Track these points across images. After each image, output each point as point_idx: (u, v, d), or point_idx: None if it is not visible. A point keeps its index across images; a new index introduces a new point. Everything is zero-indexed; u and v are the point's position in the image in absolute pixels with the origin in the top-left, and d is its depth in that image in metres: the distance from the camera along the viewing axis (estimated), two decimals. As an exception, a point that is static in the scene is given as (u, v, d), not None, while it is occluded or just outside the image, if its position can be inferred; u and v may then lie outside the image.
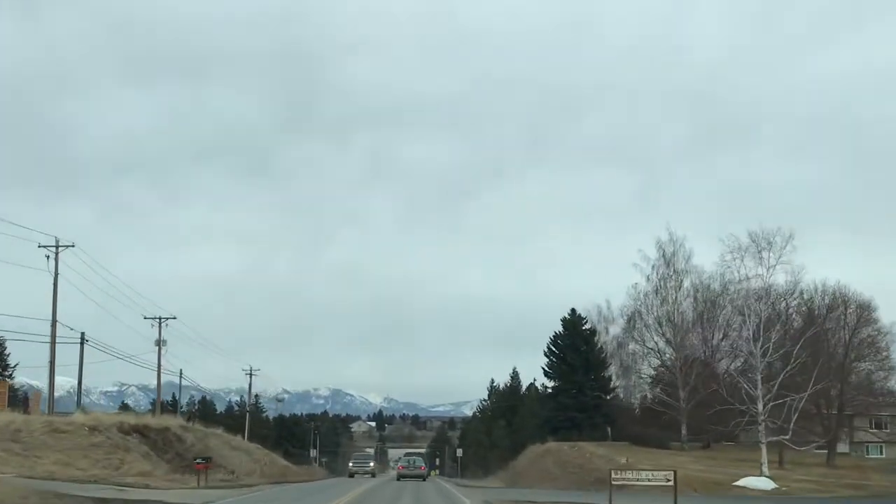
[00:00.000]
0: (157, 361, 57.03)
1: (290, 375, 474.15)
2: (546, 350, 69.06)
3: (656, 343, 52.32)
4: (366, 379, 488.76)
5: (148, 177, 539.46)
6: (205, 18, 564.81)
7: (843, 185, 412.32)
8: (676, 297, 50.11)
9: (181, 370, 61.71)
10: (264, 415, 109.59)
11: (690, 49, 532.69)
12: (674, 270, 49.94)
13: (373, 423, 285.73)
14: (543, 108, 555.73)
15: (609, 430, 67.66)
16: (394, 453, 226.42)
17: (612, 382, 68.40)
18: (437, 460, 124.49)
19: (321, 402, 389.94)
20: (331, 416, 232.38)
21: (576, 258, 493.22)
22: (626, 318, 52.44)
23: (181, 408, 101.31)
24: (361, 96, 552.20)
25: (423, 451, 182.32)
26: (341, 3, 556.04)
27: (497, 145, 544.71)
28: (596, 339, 68.82)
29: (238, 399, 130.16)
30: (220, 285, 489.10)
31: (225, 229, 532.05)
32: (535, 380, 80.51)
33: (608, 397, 68.14)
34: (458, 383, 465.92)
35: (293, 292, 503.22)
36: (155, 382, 59.05)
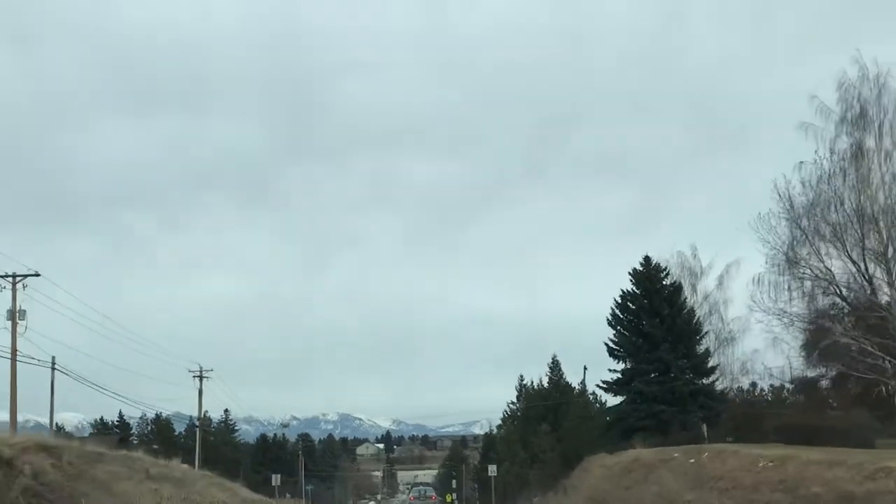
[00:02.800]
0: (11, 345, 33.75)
1: (297, 402, 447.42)
2: (609, 317, 45.82)
3: (828, 268, 28.78)
4: (374, 403, 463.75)
5: (148, 207, 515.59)
6: (201, 46, 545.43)
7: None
8: (882, 178, 26.80)
9: (53, 358, 38.39)
10: (236, 433, 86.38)
11: (687, 56, 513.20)
12: (876, 128, 26.82)
13: (381, 445, 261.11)
14: (541, 123, 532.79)
15: (705, 427, 44.67)
16: (403, 476, 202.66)
17: (708, 360, 45.15)
18: (454, 482, 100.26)
19: (330, 427, 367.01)
20: (338, 439, 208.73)
21: (580, 272, 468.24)
22: (787, 220, 28.77)
23: (130, 429, 78.17)
24: (359, 118, 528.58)
25: (433, 475, 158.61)
26: (335, 25, 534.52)
27: (497, 162, 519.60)
28: (682, 299, 45.78)
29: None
30: (224, 314, 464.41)
31: (227, 257, 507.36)
32: (585, 368, 57.08)
33: (706, 381, 44.85)
34: (465, 403, 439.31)
35: (298, 318, 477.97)
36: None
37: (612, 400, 48.09)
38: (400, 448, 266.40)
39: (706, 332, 45.58)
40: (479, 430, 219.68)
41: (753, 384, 50.64)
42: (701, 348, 44.97)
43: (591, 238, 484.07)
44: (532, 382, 63.97)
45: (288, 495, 59.32)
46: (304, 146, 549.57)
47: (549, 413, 57.09)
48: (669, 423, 42.73)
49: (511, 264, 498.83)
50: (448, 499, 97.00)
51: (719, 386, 45.74)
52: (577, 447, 49.30)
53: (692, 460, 28.63)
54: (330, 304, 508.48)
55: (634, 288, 45.51)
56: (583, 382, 59.33)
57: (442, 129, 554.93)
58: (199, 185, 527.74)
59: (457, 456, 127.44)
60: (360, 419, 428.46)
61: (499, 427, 70.57)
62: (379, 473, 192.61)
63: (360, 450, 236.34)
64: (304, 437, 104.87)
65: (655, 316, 44.29)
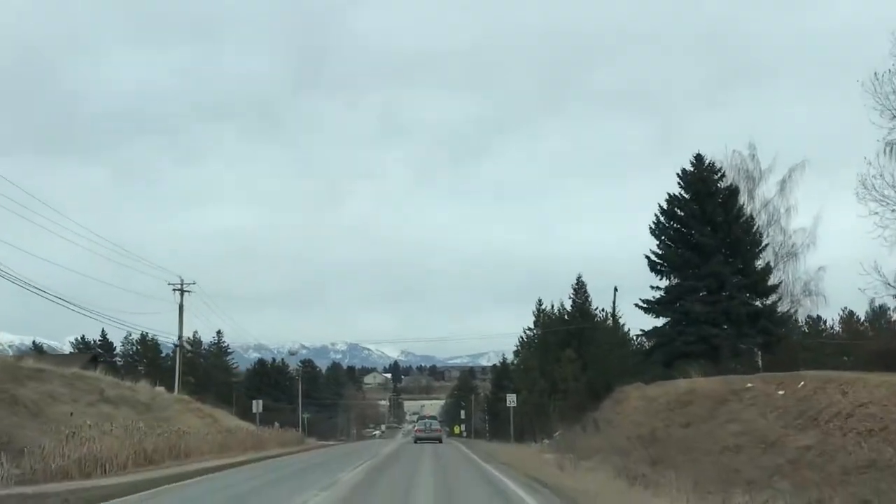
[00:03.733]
0: None
1: (308, 331, 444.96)
2: (652, 225, 38.50)
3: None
4: (383, 334, 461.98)
5: (159, 137, 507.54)
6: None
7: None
8: None
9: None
10: (229, 357, 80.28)
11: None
12: None
13: (388, 375, 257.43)
14: (557, 58, 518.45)
15: (760, 356, 37.86)
16: (410, 405, 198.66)
17: (768, 277, 37.95)
18: (463, 412, 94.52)
19: (339, 356, 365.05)
20: (346, 369, 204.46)
21: (592, 209, 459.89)
22: None
23: (113, 349, 71.94)
24: (372, 52, 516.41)
25: (440, 405, 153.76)
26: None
27: (511, 98, 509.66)
28: (739, 205, 38.37)
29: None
30: (237, 244, 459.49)
31: (238, 188, 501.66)
32: (615, 289, 49.76)
33: (766, 302, 37.70)
34: (474, 335, 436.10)
35: (310, 249, 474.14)
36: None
37: (646, 324, 40.81)
38: (407, 378, 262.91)
39: (765, 245, 38.31)
40: (486, 363, 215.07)
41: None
42: (760, 263, 37.74)
43: (605, 172, 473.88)
44: (552, 306, 56.99)
45: (277, 424, 53.07)
46: (318, 78, 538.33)
47: (572, 339, 50.24)
48: (720, 349, 35.85)
49: (524, 200, 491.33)
50: (456, 430, 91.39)
51: (779, 308, 38.65)
52: (607, 376, 42.59)
53: (781, 392, 21.56)
54: (343, 235, 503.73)
55: (683, 192, 38.09)
56: (613, 306, 52.14)
57: (457, 62, 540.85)
58: (211, 116, 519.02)
59: (466, 386, 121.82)
60: (368, 349, 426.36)
61: (515, 353, 64.05)
62: (385, 403, 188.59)
63: (368, 379, 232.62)
64: (307, 364, 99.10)
65: (707, 224, 36.99)
